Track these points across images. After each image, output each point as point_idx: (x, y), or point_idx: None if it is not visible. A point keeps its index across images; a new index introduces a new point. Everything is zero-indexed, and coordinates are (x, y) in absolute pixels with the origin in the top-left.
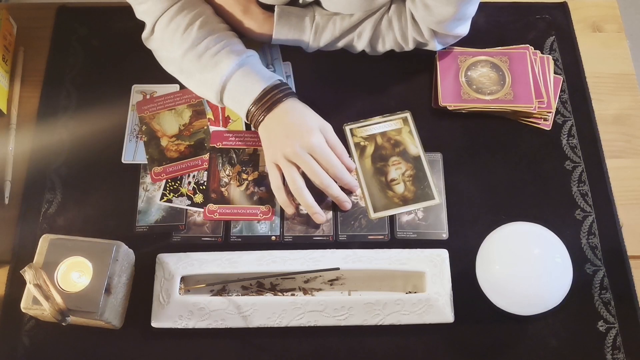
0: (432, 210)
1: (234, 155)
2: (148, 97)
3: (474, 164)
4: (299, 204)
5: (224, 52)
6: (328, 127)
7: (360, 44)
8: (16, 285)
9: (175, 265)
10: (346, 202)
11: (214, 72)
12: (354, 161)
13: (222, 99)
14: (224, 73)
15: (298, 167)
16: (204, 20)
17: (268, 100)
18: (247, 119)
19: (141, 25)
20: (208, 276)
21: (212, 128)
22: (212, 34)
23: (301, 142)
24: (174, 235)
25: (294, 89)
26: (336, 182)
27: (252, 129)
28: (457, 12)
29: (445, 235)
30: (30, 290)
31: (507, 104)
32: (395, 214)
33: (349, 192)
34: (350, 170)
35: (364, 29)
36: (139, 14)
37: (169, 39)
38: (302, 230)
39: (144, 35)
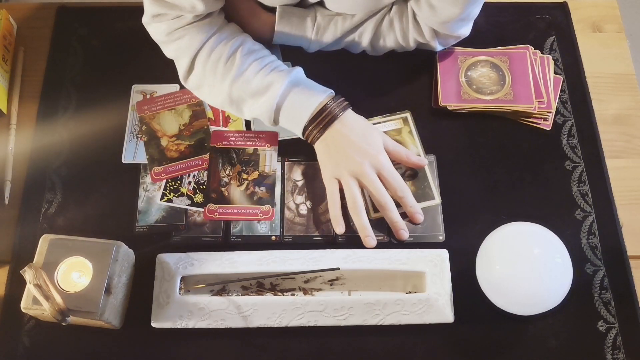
0: (428, 213)
1: (234, 155)
2: (148, 97)
3: (474, 164)
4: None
5: (274, 73)
6: (385, 136)
7: (362, 44)
8: (16, 285)
9: (175, 265)
10: (403, 231)
11: (268, 95)
12: None
13: (277, 120)
14: (277, 93)
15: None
16: (244, 46)
17: (326, 115)
18: (304, 136)
19: (141, 25)
20: (208, 276)
21: (212, 128)
22: (256, 57)
23: (371, 161)
24: (174, 235)
25: None
26: (400, 205)
27: (308, 142)
28: (462, 13)
29: (441, 237)
30: (30, 290)
31: (507, 104)
32: None
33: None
34: (422, 166)
35: (365, 29)
36: (172, 52)
37: (212, 71)
38: (302, 230)
39: (182, 73)
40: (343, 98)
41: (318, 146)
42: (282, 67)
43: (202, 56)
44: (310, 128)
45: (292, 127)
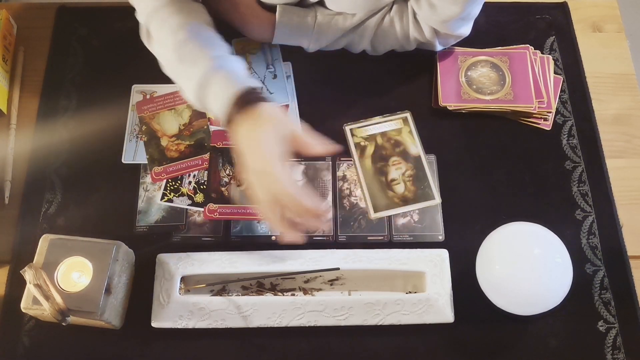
0: (427, 212)
1: (234, 155)
2: (148, 97)
3: (474, 164)
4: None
5: (206, 51)
6: (282, 136)
7: (362, 44)
8: (16, 285)
9: (175, 265)
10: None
11: (196, 68)
12: (354, 163)
13: (201, 97)
14: (204, 70)
15: None
16: (194, 22)
17: (245, 99)
18: (224, 118)
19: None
20: (208, 276)
21: (212, 128)
22: (199, 33)
23: (269, 184)
24: (174, 235)
25: (294, 89)
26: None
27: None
28: (462, 12)
29: (441, 237)
30: (30, 290)
31: (507, 104)
32: (394, 215)
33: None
34: (325, 154)
35: (365, 29)
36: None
37: (164, 37)
38: (302, 230)
39: (142, 35)
40: (259, 90)
41: (232, 130)
42: (218, 50)
43: (155, 22)
44: (230, 110)
45: (214, 107)
